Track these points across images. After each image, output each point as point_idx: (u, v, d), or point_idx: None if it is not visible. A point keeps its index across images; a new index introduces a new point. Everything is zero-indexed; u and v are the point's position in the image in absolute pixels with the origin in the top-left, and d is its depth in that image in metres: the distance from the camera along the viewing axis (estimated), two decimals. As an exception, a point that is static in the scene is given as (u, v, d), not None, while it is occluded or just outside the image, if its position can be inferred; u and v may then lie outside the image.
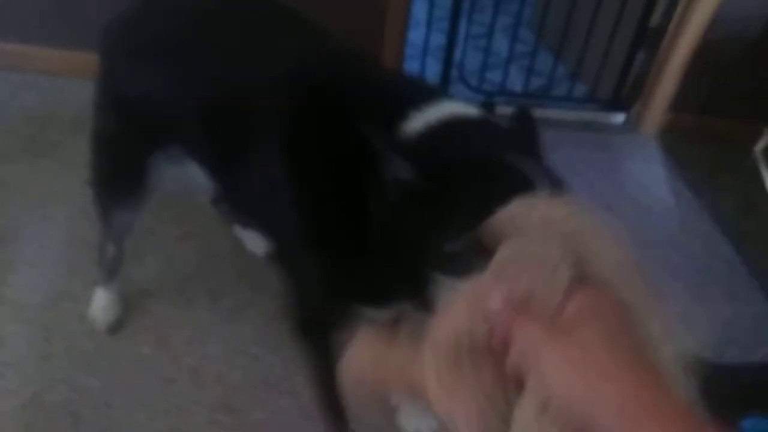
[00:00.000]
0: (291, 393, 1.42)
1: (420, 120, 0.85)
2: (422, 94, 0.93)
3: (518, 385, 0.43)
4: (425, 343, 0.47)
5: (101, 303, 1.51)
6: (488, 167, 0.77)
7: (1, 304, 1.53)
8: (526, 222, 0.50)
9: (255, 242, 1.68)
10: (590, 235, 0.49)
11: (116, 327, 1.51)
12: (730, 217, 2.21)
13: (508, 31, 2.63)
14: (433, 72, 2.51)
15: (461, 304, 0.46)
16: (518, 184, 0.71)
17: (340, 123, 0.92)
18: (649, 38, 2.42)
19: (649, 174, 2.41)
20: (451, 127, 0.84)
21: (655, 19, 2.39)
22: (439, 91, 1.07)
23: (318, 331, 1.11)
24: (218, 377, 1.43)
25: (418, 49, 2.62)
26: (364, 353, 0.56)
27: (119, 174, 1.32)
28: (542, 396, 0.41)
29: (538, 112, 2.52)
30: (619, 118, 2.63)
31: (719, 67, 2.38)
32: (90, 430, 1.32)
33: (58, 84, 2.20)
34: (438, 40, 2.53)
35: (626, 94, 2.59)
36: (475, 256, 0.70)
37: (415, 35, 2.54)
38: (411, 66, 2.54)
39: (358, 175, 0.87)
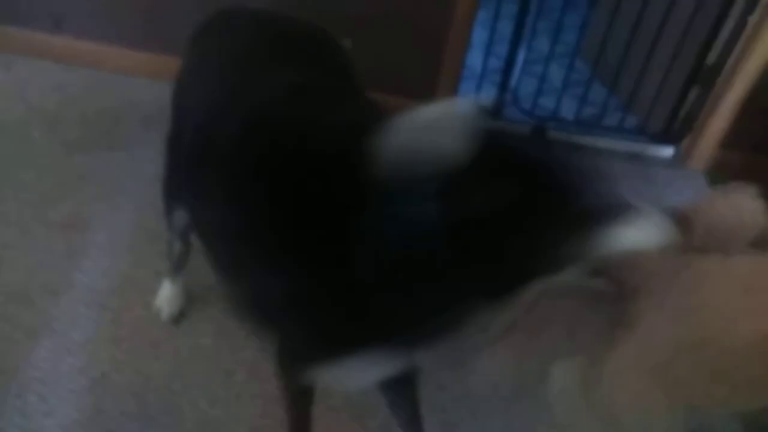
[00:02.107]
0: (342, 392, 1.47)
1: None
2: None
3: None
4: None
5: (167, 294, 1.59)
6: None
7: (73, 287, 1.62)
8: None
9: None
10: None
11: (180, 318, 1.58)
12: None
13: (564, 59, 2.68)
14: (487, 95, 2.57)
15: None
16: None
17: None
18: (705, 75, 2.45)
19: (695, 209, 2.42)
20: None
21: (713, 56, 2.41)
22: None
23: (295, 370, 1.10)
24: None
25: (472, 71, 2.69)
26: None
27: (177, 175, 1.37)
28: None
29: (588, 141, 2.58)
30: (667, 151, 2.65)
31: (774, 108, 2.40)
32: (153, 412, 1.38)
33: (131, 83, 2.31)
34: (493, 63, 2.59)
35: (677, 129, 2.61)
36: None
37: (471, 58, 2.61)
38: (466, 87, 2.60)
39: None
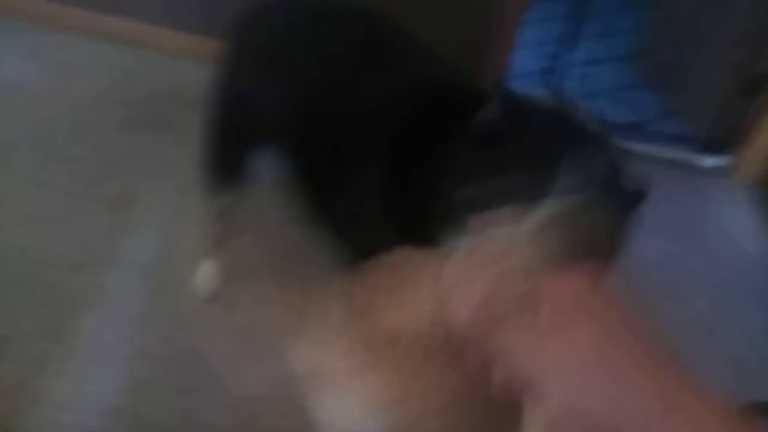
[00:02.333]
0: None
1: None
2: None
3: (507, 399, 0.37)
4: (370, 326, 0.43)
5: (205, 274, 1.63)
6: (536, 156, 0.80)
7: (119, 260, 1.67)
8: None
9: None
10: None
11: (217, 296, 1.62)
12: (822, 277, 2.15)
13: (612, 62, 2.65)
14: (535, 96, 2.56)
15: (424, 295, 0.42)
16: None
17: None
18: (757, 84, 2.39)
19: (738, 223, 2.37)
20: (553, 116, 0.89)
21: (765, 65, 2.35)
22: None
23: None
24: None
25: (520, 71, 2.67)
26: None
27: (223, 160, 1.41)
28: (550, 412, 0.35)
29: (633, 146, 2.54)
30: (714, 161, 2.60)
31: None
32: (190, 385, 1.43)
33: (181, 64, 2.36)
34: (538, 63, 2.58)
35: (725, 138, 2.55)
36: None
37: (517, 58, 2.59)
38: (513, 88, 2.59)
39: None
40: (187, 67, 2.37)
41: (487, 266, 0.39)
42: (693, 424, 0.32)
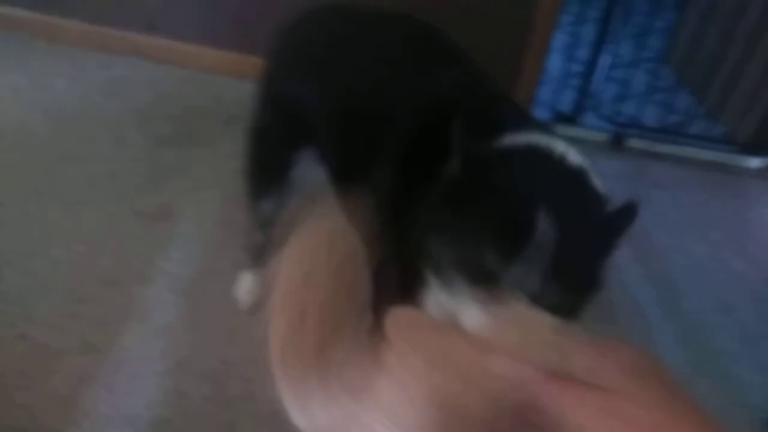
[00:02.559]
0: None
1: (506, 140, 0.85)
2: (526, 125, 0.92)
3: None
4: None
5: (246, 285, 1.64)
6: (508, 211, 0.74)
7: (159, 274, 1.70)
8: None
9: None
10: None
11: (258, 308, 1.63)
12: None
13: (648, 65, 2.60)
14: (566, 100, 2.52)
15: (456, 359, 0.38)
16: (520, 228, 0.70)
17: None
18: (802, 83, 2.32)
19: (785, 224, 2.30)
20: (521, 152, 0.83)
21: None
22: (545, 128, 1.01)
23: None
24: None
25: (549, 75, 2.65)
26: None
27: (265, 167, 1.44)
28: None
29: (672, 149, 2.49)
30: (757, 162, 2.52)
31: None
32: (230, 398, 1.43)
33: (218, 81, 2.41)
34: (572, 67, 2.54)
35: (766, 138, 2.48)
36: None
37: (551, 61, 2.57)
38: (543, 92, 2.56)
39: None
40: (223, 83, 2.42)
41: (528, 340, 0.38)
42: None
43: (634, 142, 2.49)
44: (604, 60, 2.42)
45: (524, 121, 0.99)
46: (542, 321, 0.41)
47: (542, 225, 0.70)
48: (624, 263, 1.96)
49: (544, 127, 1.00)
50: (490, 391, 0.36)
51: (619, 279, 1.89)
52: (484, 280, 0.71)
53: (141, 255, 1.75)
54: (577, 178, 0.82)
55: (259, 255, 1.63)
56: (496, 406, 0.36)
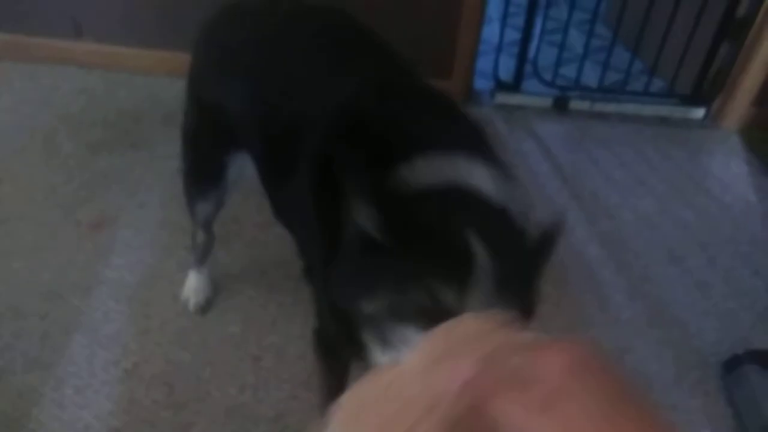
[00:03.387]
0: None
1: (427, 175, 0.81)
2: (456, 144, 0.89)
3: None
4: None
5: (193, 285, 1.61)
6: (442, 248, 0.73)
7: (103, 283, 1.66)
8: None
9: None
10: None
11: (207, 307, 1.60)
12: (818, 215, 2.12)
13: (583, 26, 2.61)
14: (506, 68, 2.52)
15: (413, 385, 0.37)
16: (457, 270, 0.71)
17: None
18: (735, 29, 2.35)
19: (731, 171, 2.34)
20: (444, 196, 0.80)
21: (742, 9, 2.31)
22: (479, 143, 0.97)
23: (332, 351, 1.10)
24: (300, 355, 1.50)
25: (490, 45, 2.64)
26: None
27: (201, 169, 1.40)
28: None
29: (614, 108, 2.51)
30: (698, 113, 2.56)
31: (809, 59, 2.29)
32: (183, 400, 1.41)
33: (150, 82, 2.35)
34: (510, 35, 2.54)
35: (707, 88, 2.51)
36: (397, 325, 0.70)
37: (488, 31, 2.56)
38: (484, 62, 2.55)
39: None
40: (157, 83, 2.36)
41: (469, 344, 0.37)
42: None
43: (577, 104, 2.50)
44: (539, 24, 2.42)
45: (442, 132, 0.95)
46: (479, 323, 0.40)
47: (480, 252, 0.71)
48: (574, 225, 1.97)
49: (464, 137, 0.96)
50: (436, 407, 0.35)
51: (570, 241, 1.90)
52: (435, 318, 0.69)
53: (83, 265, 1.70)
54: (497, 211, 0.81)
55: (204, 254, 1.60)
56: (446, 421, 0.35)
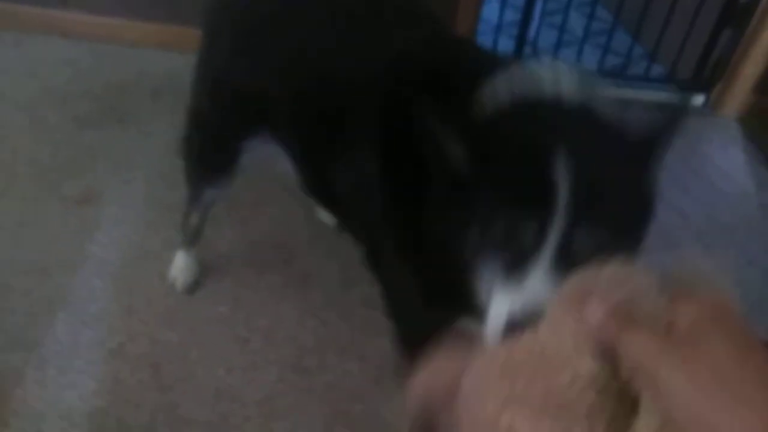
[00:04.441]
0: (359, 358, 1.45)
1: (502, 93, 0.78)
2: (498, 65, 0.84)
3: (631, 405, 0.37)
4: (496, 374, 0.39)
5: (181, 265, 1.57)
6: (525, 175, 0.70)
7: (88, 260, 1.61)
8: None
9: (326, 212, 1.71)
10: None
11: (194, 287, 1.57)
12: (815, 205, 2.10)
13: (584, 8, 2.57)
14: (505, 49, 2.48)
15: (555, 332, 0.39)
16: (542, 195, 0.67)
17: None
18: (736, 16, 2.31)
19: (729, 158, 2.31)
20: (527, 112, 0.76)
21: (744, -5, 2.28)
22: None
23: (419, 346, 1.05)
24: (289, 338, 1.47)
25: (490, 24, 2.59)
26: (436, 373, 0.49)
27: (212, 155, 1.33)
28: (661, 417, 0.35)
29: (613, 92, 2.47)
30: (698, 99, 2.53)
31: (812, 47, 2.26)
32: (169, 381, 1.38)
33: (139, 54, 2.28)
34: (510, 16, 2.49)
35: (707, 75, 2.48)
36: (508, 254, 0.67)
37: (487, 11, 2.51)
38: (482, 42, 2.50)
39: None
40: (147, 56, 2.29)
41: (614, 285, 0.38)
42: None
43: (576, 88, 2.46)
44: (540, 5, 2.37)
45: (493, 61, 0.91)
46: (614, 269, 0.40)
47: (566, 175, 0.66)
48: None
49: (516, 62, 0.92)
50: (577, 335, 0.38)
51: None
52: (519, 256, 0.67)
53: (68, 242, 1.66)
54: (582, 114, 0.77)
55: (195, 235, 1.56)
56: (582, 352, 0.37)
